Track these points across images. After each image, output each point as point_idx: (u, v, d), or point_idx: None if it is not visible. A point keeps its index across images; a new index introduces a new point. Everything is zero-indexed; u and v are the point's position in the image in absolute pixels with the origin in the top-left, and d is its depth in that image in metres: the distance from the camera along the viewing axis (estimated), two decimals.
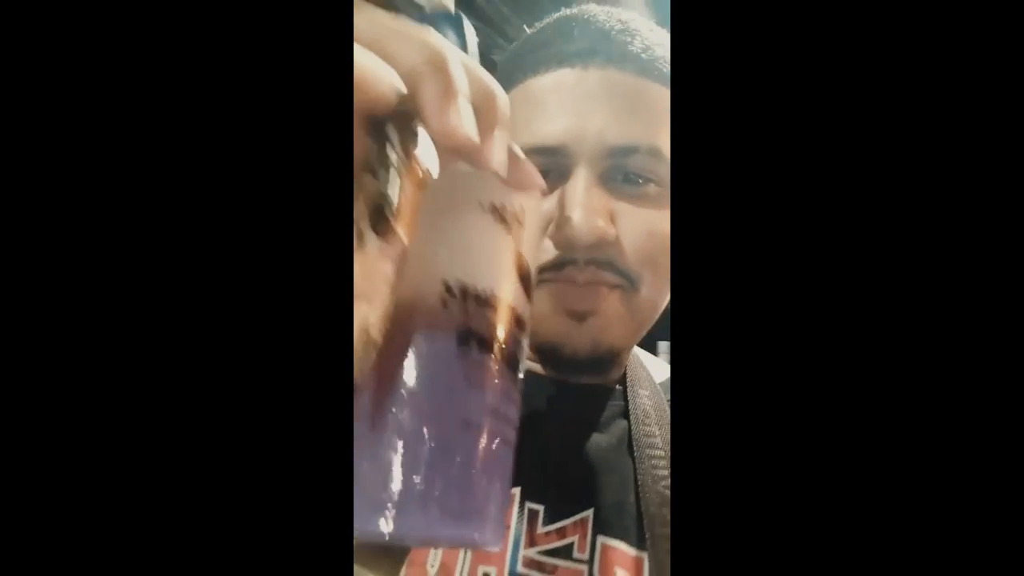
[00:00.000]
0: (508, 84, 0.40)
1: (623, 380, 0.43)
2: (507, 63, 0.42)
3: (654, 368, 0.46)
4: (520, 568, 0.35)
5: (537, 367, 0.43)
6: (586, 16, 0.40)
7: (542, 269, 0.37)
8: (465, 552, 0.36)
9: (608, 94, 0.37)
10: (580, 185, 0.36)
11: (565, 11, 0.41)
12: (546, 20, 0.42)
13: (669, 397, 0.43)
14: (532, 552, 0.36)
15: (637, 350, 0.47)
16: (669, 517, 0.35)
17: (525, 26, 0.43)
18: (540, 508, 0.37)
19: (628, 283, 0.37)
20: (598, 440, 0.40)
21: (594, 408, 0.42)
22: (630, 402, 0.41)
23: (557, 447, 0.39)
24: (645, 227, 0.37)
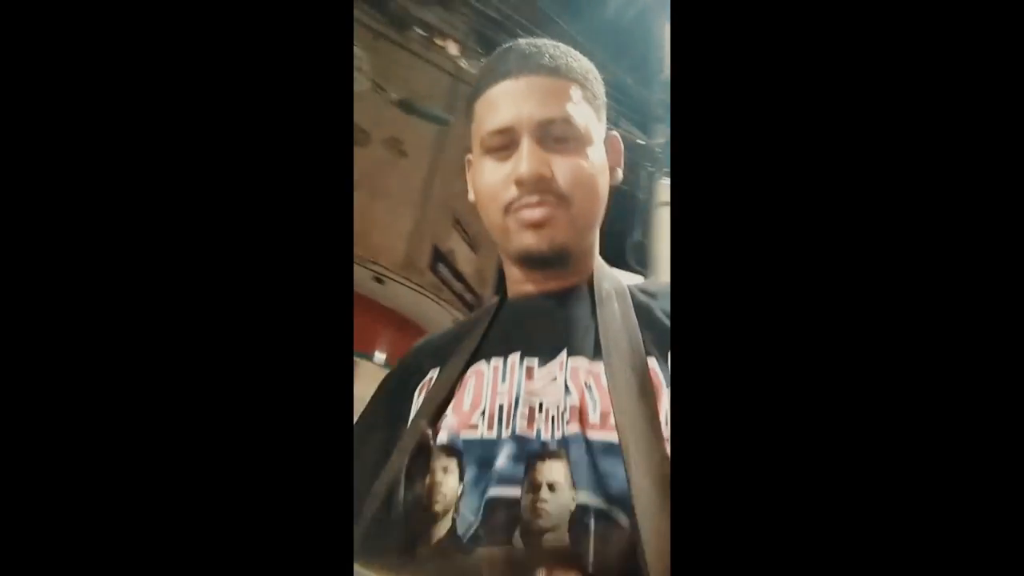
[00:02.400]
0: (477, 95, 0.65)
1: (591, 282, 0.63)
2: (475, 82, 0.67)
3: (621, 275, 0.67)
4: (523, 394, 0.55)
5: (528, 288, 0.66)
6: (515, 47, 0.64)
7: (511, 203, 0.61)
8: (486, 392, 0.57)
9: (532, 90, 0.61)
10: (525, 148, 0.60)
11: (505, 45, 0.66)
12: (494, 53, 0.67)
13: (633, 297, 0.63)
14: (530, 385, 0.56)
15: (607, 267, 0.68)
16: (625, 344, 0.54)
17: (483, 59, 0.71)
18: (535, 360, 0.58)
19: (564, 202, 0.60)
20: (572, 316, 0.61)
21: (569, 299, 0.63)
22: (595, 287, 0.62)
23: (543, 327, 0.61)
24: (570, 166, 0.60)
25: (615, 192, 0.68)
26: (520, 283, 0.67)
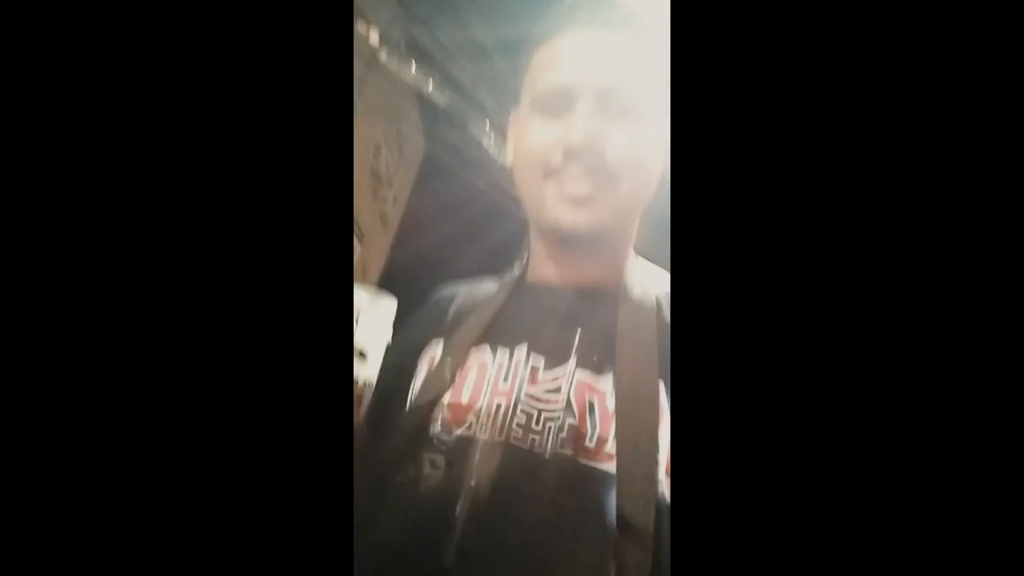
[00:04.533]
0: (537, 42, 0.59)
1: (620, 281, 0.57)
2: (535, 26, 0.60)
3: (655, 279, 0.60)
4: (524, 398, 0.51)
5: (551, 271, 0.59)
6: None
7: (554, 170, 0.54)
8: (486, 390, 0.53)
9: (600, 48, 0.54)
10: (582, 112, 0.53)
11: None
12: None
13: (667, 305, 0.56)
14: (532, 389, 0.52)
15: (642, 263, 0.61)
16: (640, 365, 0.50)
17: None
18: (542, 360, 0.53)
19: (612, 179, 0.53)
20: (591, 321, 0.55)
21: (593, 300, 0.57)
22: (624, 290, 0.56)
23: (558, 326, 0.55)
24: (625, 139, 0.53)
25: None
26: (544, 263, 0.60)
